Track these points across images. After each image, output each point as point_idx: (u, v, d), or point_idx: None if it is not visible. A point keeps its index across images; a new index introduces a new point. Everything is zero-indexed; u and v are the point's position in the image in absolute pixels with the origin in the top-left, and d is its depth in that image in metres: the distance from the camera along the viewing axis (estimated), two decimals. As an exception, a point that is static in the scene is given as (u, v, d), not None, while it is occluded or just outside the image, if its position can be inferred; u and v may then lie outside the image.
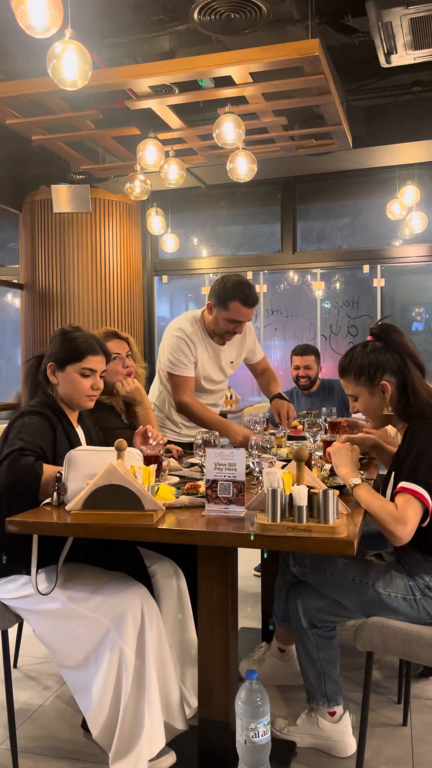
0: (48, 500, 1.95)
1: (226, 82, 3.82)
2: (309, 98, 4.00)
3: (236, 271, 6.34)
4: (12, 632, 2.36)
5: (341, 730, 2.15)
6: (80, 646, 1.95)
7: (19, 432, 2.04)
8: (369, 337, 2.13)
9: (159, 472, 2.20)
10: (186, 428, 3.15)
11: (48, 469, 1.96)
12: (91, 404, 2.26)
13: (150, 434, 2.41)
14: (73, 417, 2.27)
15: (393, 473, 2.03)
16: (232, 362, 3.22)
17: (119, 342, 2.74)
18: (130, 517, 1.77)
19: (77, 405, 2.24)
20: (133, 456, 1.99)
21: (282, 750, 2.12)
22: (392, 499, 1.90)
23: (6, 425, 2.14)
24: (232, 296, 2.91)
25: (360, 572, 2.01)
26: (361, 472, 2.13)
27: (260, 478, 2.13)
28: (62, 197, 5.50)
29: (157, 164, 4.29)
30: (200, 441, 2.36)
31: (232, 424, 2.97)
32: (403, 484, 1.88)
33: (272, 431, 2.88)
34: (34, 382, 2.29)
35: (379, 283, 6.10)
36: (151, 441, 2.39)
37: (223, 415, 3.56)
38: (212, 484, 1.85)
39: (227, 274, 3.05)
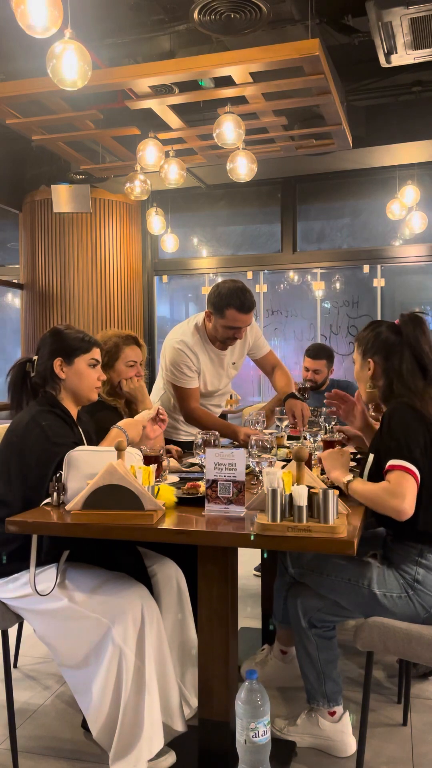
0: (48, 500, 1.95)
1: (226, 82, 3.82)
2: (309, 98, 3.99)
3: (236, 271, 6.34)
4: (12, 632, 2.36)
5: (341, 730, 2.16)
6: (80, 645, 1.95)
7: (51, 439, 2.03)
8: (396, 321, 2.18)
9: (159, 472, 2.20)
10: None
11: None
12: (96, 397, 2.28)
13: (160, 410, 2.45)
14: (74, 414, 2.26)
15: (372, 454, 2.05)
16: (234, 363, 3.21)
17: (138, 350, 2.73)
18: (130, 517, 1.77)
19: (85, 398, 2.25)
20: (133, 456, 1.99)
21: (282, 750, 2.12)
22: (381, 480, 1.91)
23: (9, 435, 2.10)
24: (227, 303, 2.87)
25: (356, 573, 2.01)
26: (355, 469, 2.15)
27: (260, 477, 2.13)
28: (62, 197, 5.50)
29: (157, 164, 4.28)
30: (200, 441, 2.36)
31: (234, 426, 3.00)
32: (392, 462, 1.89)
33: (272, 431, 2.88)
34: (19, 390, 2.24)
35: (379, 283, 6.09)
36: (160, 415, 2.42)
37: (224, 415, 3.56)
38: (212, 484, 1.85)
39: (222, 280, 3.02)
